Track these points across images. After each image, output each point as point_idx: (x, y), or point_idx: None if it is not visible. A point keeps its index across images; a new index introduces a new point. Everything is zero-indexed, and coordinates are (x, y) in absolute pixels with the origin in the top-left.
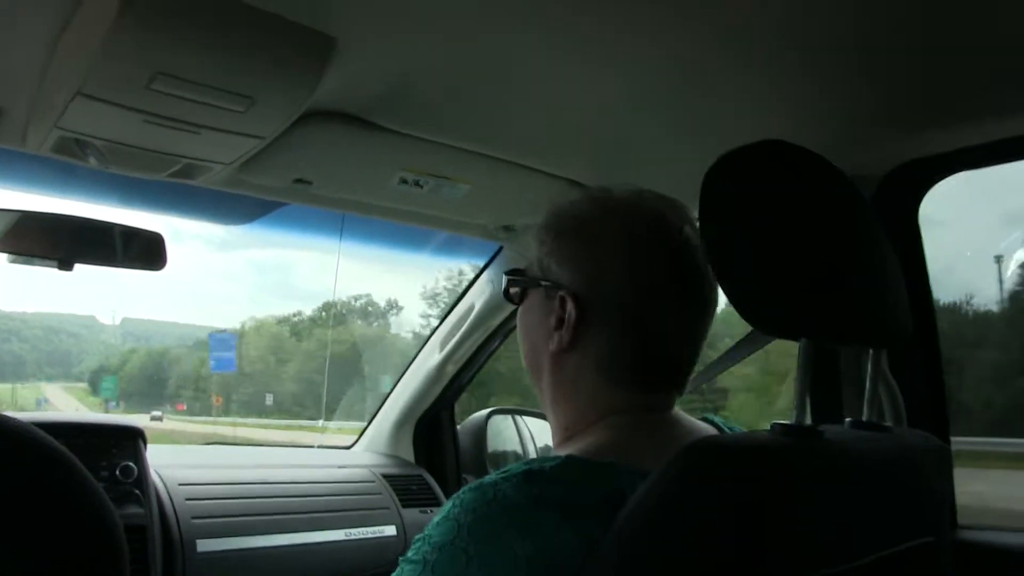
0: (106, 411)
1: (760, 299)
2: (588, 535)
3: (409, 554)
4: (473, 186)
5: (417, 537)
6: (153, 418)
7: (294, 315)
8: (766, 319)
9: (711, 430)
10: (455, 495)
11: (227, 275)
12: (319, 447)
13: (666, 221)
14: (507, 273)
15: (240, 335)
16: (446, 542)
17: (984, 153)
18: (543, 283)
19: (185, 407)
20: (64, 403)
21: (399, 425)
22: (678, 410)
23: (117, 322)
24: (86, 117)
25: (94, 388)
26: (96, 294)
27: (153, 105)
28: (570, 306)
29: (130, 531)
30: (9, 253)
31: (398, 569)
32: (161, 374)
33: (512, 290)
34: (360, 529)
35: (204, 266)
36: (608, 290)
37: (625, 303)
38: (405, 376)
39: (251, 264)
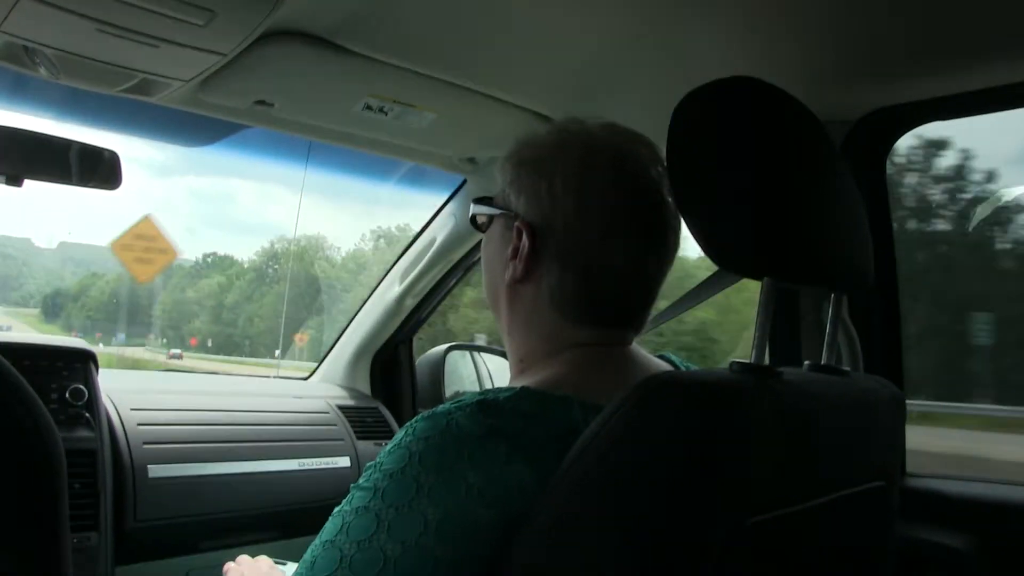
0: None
1: (724, 237)
2: (540, 467)
3: (360, 481)
4: (439, 115)
5: (369, 464)
6: (172, 356)
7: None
8: (730, 258)
9: (667, 367)
10: (408, 423)
11: (166, 202)
12: (276, 376)
13: (628, 157)
14: (475, 201)
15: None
16: (397, 470)
17: (954, 105)
18: (503, 212)
19: (198, 341)
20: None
21: (357, 357)
22: (635, 346)
23: (54, 246)
24: (33, 21)
25: (48, 315)
26: (27, 216)
27: (107, 13)
28: (524, 237)
29: (80, 455)
30: None
31: (348, 495)
32: (135, 303)
33: (479, 219)
34: (314, 459)
35: (141, 192)
36: (560, 223)
37: (575, 240)
38: (364, 308)
39: (191, 192)
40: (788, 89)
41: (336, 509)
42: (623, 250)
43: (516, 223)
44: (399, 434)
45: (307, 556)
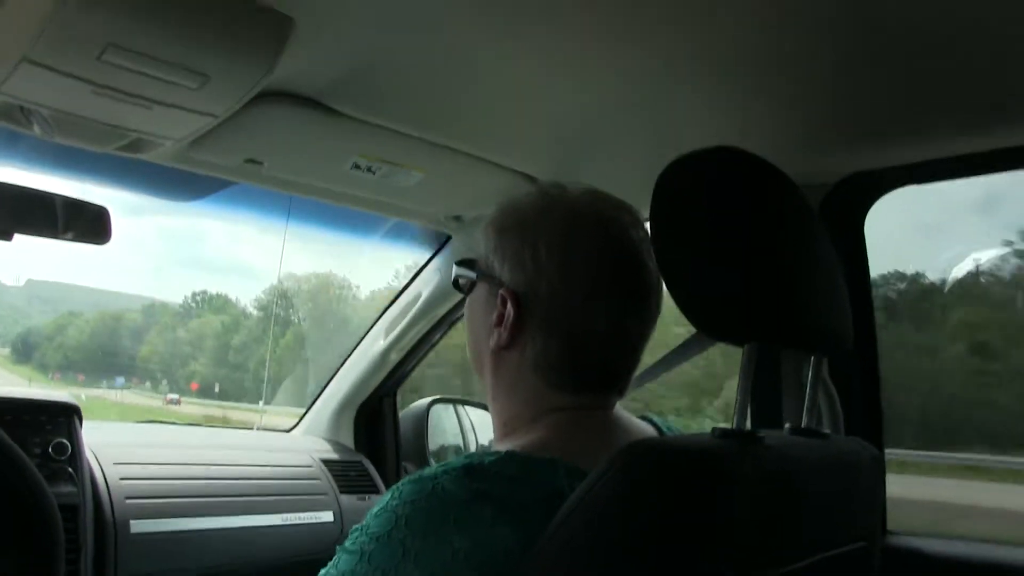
0: (51, 384)
1: (707, 303)
2: (526, 531)
3: (347, 543)
4: (426, 174)
5: (355, 527)
6: (170, 401)
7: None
8: (713, 323)
9: (650, 430)
10: (394, 486)
11: (135, 241)
12: (258, 429)
13: (610, 223)
14: (457, 263)
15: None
16: (383, 533)
17: (930, 169)
18: (485, 279)
19: (199, 386)
20: None
21: (340, 410)
22: (619, 409)
23: (21, 283)
24: (31, 84)
25: (19, 355)
26: None
27: (103, 76)
28: (509, 305)
29: (62, 510)
30: None
31: (335, 558)
32: (116, 344)
33: (461, 282)
34: (297, 514)
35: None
36: (544, 291)
37: (560, 305)
38: (348, 361)
39: (161, 231)
40: (766, 154)
41: (322, 572)
42: (605, 314)
43: (501, 291)
44: (385, 497)
45: None
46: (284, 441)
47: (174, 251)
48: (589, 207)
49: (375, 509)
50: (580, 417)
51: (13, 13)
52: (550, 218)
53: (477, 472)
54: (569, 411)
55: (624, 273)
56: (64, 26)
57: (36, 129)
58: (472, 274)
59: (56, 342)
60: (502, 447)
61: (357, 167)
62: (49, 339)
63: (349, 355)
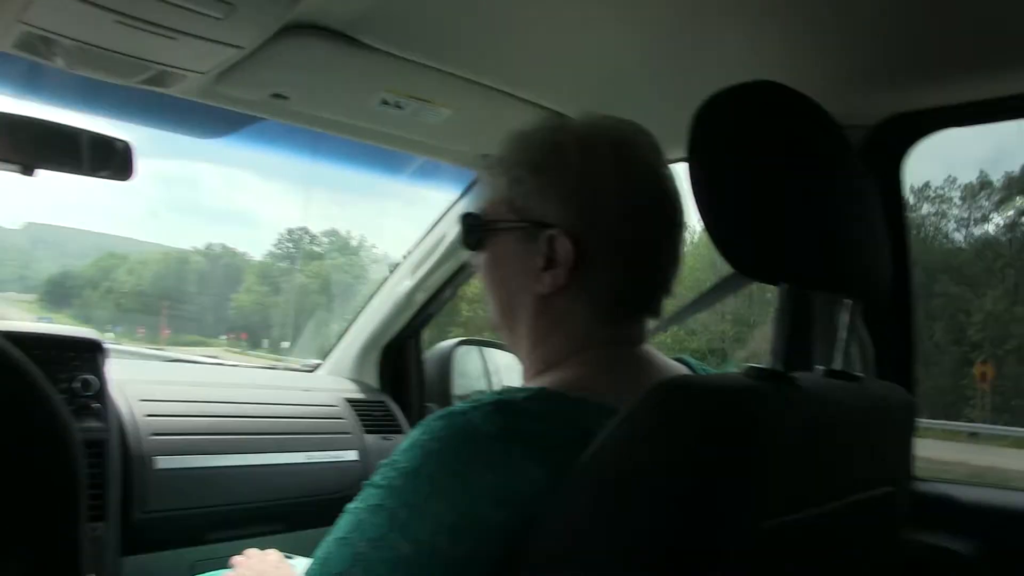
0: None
1: (743, 242)
2: (555, 469)
3: (375, 478)
4: (454, 111)
5: (383, 462)
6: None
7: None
8: (748, 262)
9: (684, 369)
10: (424, 421)
11: (128, 185)
12: (283, 368)
13: (639, 145)
14: (465, 217)
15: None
16: (411, 468)
17: (972, 111)
18: (521, 224)
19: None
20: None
21: (365, 350)
22: (651, 347)
23: (18, 226)
24: (53, 12)
25: (52, 302)
26: None
27: (127, 5)
28: (566, 244)
29: (88, 445)
30: None
31: (362, 493)
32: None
33: (475, 234)
34: (321, 452)
35: None
36: (604, 225)
37: (623, 237)
38: (373, 301)
39: (154, 175)
40: (807, 92)
41: (350, 506)
42: (661, 240)
43: (549, 232)
44: (414, 432)
45: (319, 553)
46: (309, 380)
47: (169, 196)
48: (609, 130)
49: (404, 444)
50: (616, 354)
51: None
52: (589, 150)
53: (508, 409)
54: (608, 347)
55: (661, 191)
56: None
57: (58, 61)
58: (500, 223)
59: (102, 289)
60: (534, 384)
61: (385, 103)
62: (92, 285)
63: (374, 295)
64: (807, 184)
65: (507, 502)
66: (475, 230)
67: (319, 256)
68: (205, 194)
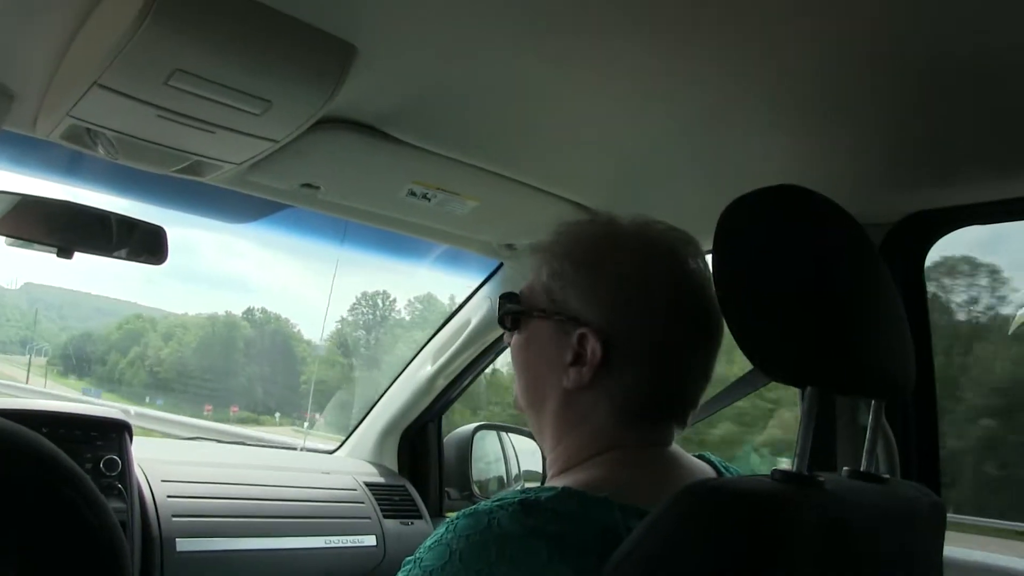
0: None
1: (768, 344)
2: (580, 569)
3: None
4: (480, 203)
5: (408, 559)
6: None
7: None
8: (773, 364)
9: (709, 469)
10: (449, 520)
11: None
12: (302, 449)
13: (679, 252)
14: (505, 298)
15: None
16: (437, 567)
17: (990, 210)
18: (557, 317)
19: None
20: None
21: (385, 434)
22: (676, 447)
23: (16, 286)
24: (100, 108)
25: (70, 369)
26: None
27: (169, 101)
28: (594, 344)
29: None
30: (8, 236)
31: None
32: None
33: (510, 317)
34: (340, 537)
35: None
36: (636, 329)
37: (654, 342)
38: (394, 385)
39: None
40: (829, 193)
41: None
42: (693, 349)
43: (581, 330)
44: (439, 530)
45: None
46: (328, 462)
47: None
48: (660, 237)
49: (429, 542)
50: (640, 454)
51: (89, 40)
52: (626, 249)
53: (533, 508)
54: (631, 448)
55: (697, 302)
56: (136, 52)
57: (100, 150)
58: (536, 311)
59: (132, 356)
60: (557, 483)
61: (412, 194)
62: (121, 351)
63: (395, 379)
64: (831, 285)
65: None
66: (512, 312)
67: (404, 324)
68: (201, 261)
